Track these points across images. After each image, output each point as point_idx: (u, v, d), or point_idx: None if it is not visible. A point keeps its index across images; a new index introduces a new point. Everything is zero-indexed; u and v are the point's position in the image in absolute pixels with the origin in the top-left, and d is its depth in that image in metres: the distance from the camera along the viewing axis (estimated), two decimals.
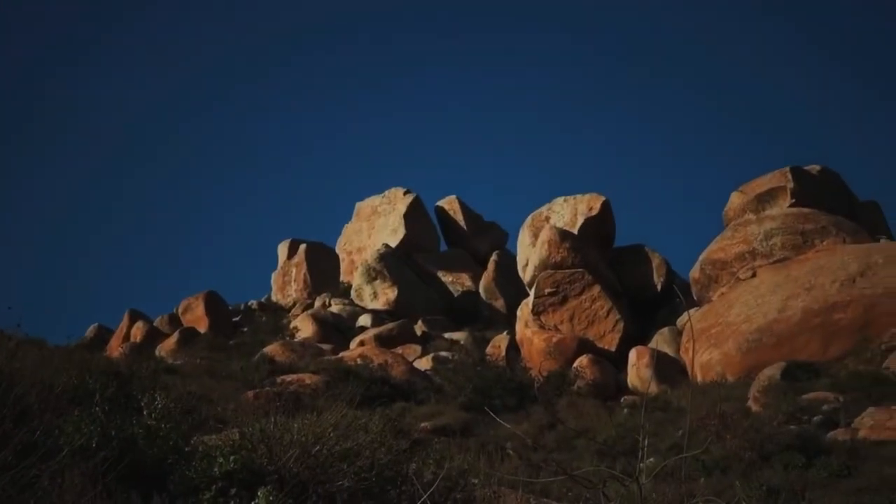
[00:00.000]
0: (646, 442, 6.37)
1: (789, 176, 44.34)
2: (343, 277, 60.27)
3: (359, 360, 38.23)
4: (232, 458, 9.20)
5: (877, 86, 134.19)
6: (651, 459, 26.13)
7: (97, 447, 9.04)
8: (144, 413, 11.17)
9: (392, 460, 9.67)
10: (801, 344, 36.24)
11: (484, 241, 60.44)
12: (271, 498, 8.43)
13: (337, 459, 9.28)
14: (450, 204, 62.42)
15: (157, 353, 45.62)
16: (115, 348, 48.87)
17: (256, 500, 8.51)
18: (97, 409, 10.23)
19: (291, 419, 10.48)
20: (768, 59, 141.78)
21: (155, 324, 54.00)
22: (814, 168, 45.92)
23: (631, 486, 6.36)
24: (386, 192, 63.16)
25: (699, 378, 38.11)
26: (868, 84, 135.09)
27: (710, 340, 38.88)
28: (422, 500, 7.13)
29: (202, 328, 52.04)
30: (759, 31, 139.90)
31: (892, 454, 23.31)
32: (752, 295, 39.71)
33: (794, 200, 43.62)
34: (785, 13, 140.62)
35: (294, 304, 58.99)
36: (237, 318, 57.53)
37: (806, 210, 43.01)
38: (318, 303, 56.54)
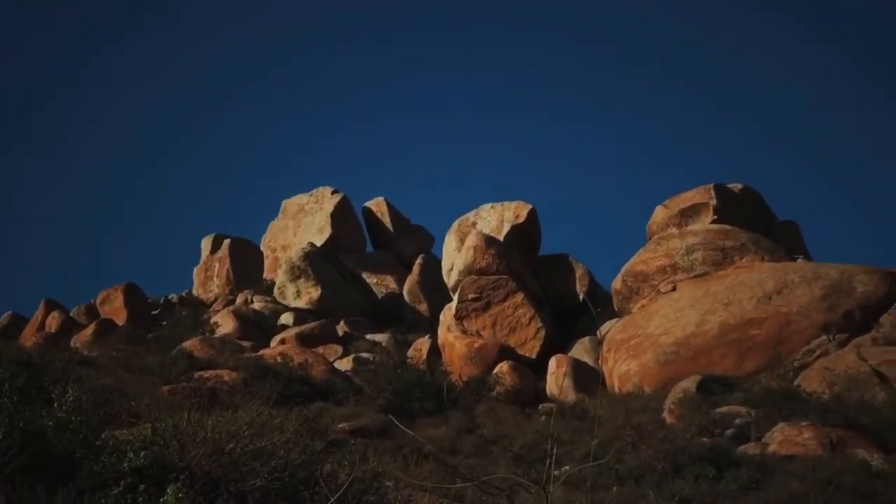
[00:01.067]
0: (554, 450, 6.39)
1: (712, 193, 45.09)
2: (266, 275, 59.77)
3: (279, 359, 37.91)
4: (142, 453, 9.05)
5: (799, 113, 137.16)
6: (566, 467, 26.20)
7: (3, 437, 8.83)
8: (55, 405, 10.93)
9: (306, 461, 9.60)
10: (717, 358, 36.85)
11: (410, 243, 60.42)
12: (181, 495, 8.31)
13: (250, 458, 9.18)
14: (377, 205, 62.30)
15: (72, 344, 44.76)
16: (28, 337, 47.88)
17: (165, 498, 8.38)
18: (5, 399, 9.99)
19: (206, 416, 10.35)
20: (701, 76, 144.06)
21: (71, 314, 53.00)
22: (736, 186, 46.76)
23: (537, 493, 6.40)
24: (314, 191, 62.81)
25: (617, 388, 38.53)
26: (793, 111, 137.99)
27: (630, 351, 39.34)
28: (329, 502, 7.08)
29: (120, 320, 51.19)
30: (690, 51, 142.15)
31: (799, 469, 23.79)
32: (671, 308, 40.29)
33: (716, 217, 44.36)
34: (722, 30, 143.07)
35: (215, 300, 58.36)
36: (157, 312, 56.71)
37: (727, 227, 43.77)
38: (240, 299, 56.00)
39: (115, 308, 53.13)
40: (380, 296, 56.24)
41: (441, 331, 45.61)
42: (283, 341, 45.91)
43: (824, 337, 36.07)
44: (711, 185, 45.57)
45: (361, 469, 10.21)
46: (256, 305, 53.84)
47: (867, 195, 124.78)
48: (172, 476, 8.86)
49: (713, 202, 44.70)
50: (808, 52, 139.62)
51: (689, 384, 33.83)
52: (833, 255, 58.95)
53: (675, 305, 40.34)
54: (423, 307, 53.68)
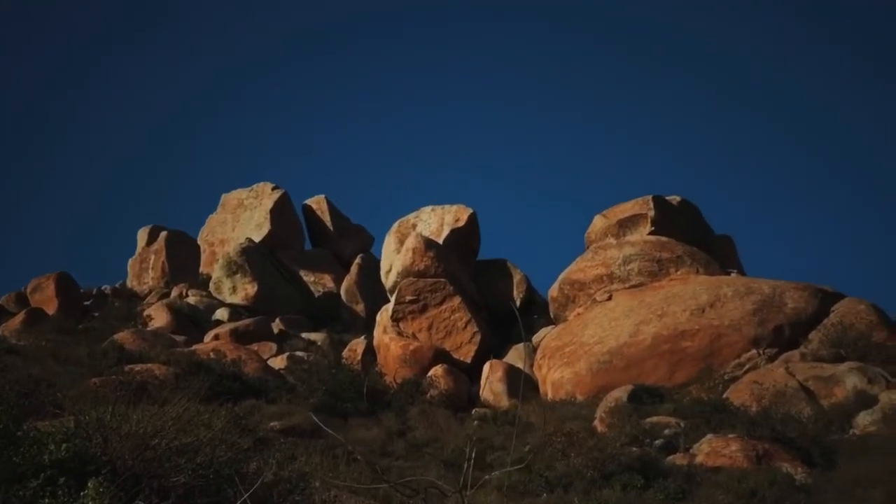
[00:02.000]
0: (473, 454, 6.39)
1: (651, 204, 45.56)
2: (203, 269, 59.16)
3: (212, 354, 37.55)
4: (64, 445, 8.88)
5: (744, 128, 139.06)
6: (496, 473, 26.24)
7: None
8: None
9: (232, 458, 9.50)
10: (649, 368, 37.23)
11: (349, 243, 60.20)
12: (101, 489, 8.16)
13: (175, 454, 9.06)
14: (318, 203, 61.99)
15: (0, 332, 43.93)
16: None
17: (86, 492, 8.23)
18: None
19: (132, 409, 10.19)
20: (646, 89, 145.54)
21: (0, 302, 51.99)
22: (674, 199, 47.28)
23: (455, 497, 6.39)
24: (254, 186, 62.31)
25: (550, 395, 38.76)
26: (730, 126, 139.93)
27: (564, 359, 39.59)
28: (242, 498, 7.01)
29: (51, 310, 50.35)
30: (636, 62, 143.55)
31: (725, 481, 24.07)
32: (606, 317, 40.62)
33: (653, 228, 44.83)
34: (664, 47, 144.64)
35: (150, 293, 57.62)
36: (89, 302, 55.85)
37: (664, 239, 44.25)
38: (174, 292, 55.36)
39: (45, 297, 52.24)
40: (317, 294, 55.96)
41: (377, 332, 45.52)
42: (216, 337, 45.49)
43: (754, 351, 36.61)
44: (650, 197, 46.06)
45: (288, 468, 10.13)
46: (191, 299, 53.27)
47: (801, 213, 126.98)
48: (94, 470, 8.71)
49: (651, 214, 45.17)
50: (755, 69, 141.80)
51: (620, 393, 34.13)
52: (766, 271, 59.86)
53: (611, 315, 40.67)
54: (359, 307, 53.53)
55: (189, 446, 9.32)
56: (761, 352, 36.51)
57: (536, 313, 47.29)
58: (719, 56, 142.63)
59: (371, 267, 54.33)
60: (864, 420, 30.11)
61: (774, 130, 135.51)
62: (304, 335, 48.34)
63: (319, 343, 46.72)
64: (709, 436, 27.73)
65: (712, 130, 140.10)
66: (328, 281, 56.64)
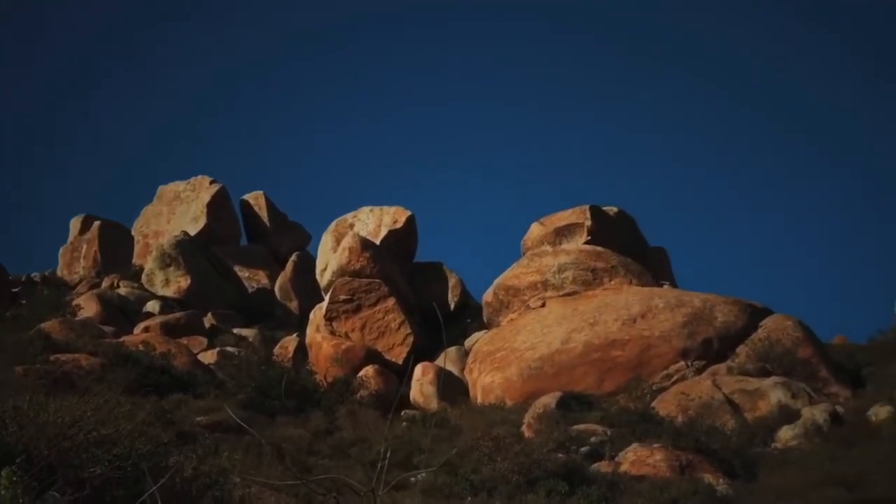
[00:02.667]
0: (388, 454, 6.42)
1: (588, 214, 45.95)
2: (136, 260, 58.37)
3: (141, 347, 37.08)
4: None
5: (676, 141, 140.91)
6: (422, 475, 26.16)
7: None
8: None
9: (151, 451, 9.41)
10: (579, 376, 37.55)
11: (286, 240, 59.79)
12: (15, 479, 8.04)
13: (93, 445, 8.95)
14: (256, 199, 61.48)
15: None
16: None
17: None
18: None
19: (52, 399, 10.05)
20: (588, 96, 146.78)
21: None
22: (611, 209, 47.74)
23: (367, 496, 6.40)
24: (191, 179, 61.63)
25: (480, 399, 38.92)
26: (663, 137, 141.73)
27: (495, 364, 39.78)
28: (150, 490, 6.95)
29: None
30: (579, 68, 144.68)
31: (647, 490, 24.36)
32: (539, 324, 40.88)
33: (589, 238, 45.21)
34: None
35: (80, 282, 56.72)
36: (17, 290, 54.79)
37: (599, 249, 44.66)
38: (105, 283, 54.58)
39: None
40: (251, 290, 55.55)
41: (309, 330, 45.33)
42: (146, 329, 44.93)
43: (682, 362, 37.10)
44: (587, 207, 46.45)
45: (209, 463, 10.06)
46: (122, 291, 52.57)
47: (734, 229, 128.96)
48: (8, 459, 8.58)
49: (588, 223, 45.55)
50: (688, 84, 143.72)
51: (549, 400, 34.38)
52: (698, 284, 60.67)
53: (543, 322, 40.95)
54: (293, 305, 53.23)
55: (108, 438, 9.21)
56: (689, 364, 37.01)
57: (470, 317, 47.46)
58: (657, 59, 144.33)
59: (307, 265, 54.05)
60: (787, 434, 30.69)
61: (717, 147, 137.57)
62: (235, 331, 47.92)
63: (251, 339, 46.35)
64: (634, 445, 28.04)
65: (655, 143, 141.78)
66: (263, 277, 56.25)
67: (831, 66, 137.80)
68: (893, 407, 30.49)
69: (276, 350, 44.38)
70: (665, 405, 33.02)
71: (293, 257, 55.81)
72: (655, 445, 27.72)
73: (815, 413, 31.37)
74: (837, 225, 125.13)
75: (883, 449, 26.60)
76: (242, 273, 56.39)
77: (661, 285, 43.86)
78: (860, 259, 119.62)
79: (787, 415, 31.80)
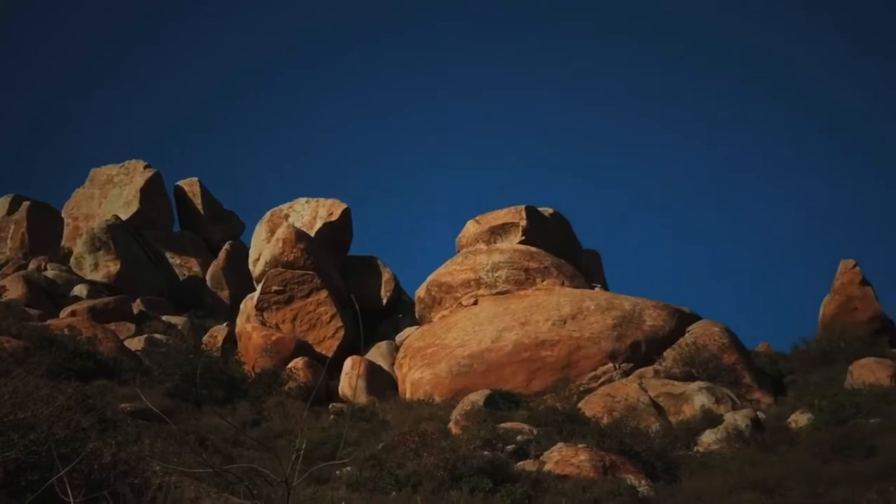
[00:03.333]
0: (303, 445, 6.41)
1: (523, 214, 46.19)
2: (65, 243, 57.39)
3: (66, 331, 36.49)
4: None
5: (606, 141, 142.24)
6: (348, 468, 26.16)
7: None
8: None
9: (69, 437, 9.26)
10: (508, 374, 37.76)
11: (219, 228, 59.23)
12: None
13: (9, 429, 8.78)
14: (190, 186, 60.78)
15: None
16: None
17: None
18: None
19: None
20: (524, 99, 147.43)
21: None
22: (547, 210, 48.05)
23: (279, 486, 6.38)
24: (126, 163, 60.73)
25: (409, 394, 38.96)
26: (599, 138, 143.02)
27: (425, 360, 39.84)
28: (58, 475, 6.86)
29: None
30: (522, 64, 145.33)
31: (570, 489, 24.57)
32: (470, 322, 41.02)
33: (524, 238, 45.47)
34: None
35: (6, 263, 55.60)
36: None
37: (533, 249, 44.94)
38: (32, 265, 53.56)
39: None
40: (182, 278, 54.96)
41: (240, 320, 44.99)
42: (73, 313, 44.22)
43: (610, 364, 37.49)
44: (523, 207, 46.69)
45: (128, 450, 9.93)
46: (50, 273, 51.64)
47: (666, 235, 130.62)
48: None
49: (523, 223, 45.80)
50: (620, 90, 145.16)
51: (477, 397, 34.54)
52: (628, 288, 61.26)
53: (475, 319, 41.10)
54: (224, 294, 52.77)
55: (24, 422, 9.05)
56: (617, 366, 37.42)
57: (402, 313, 47.48)
58: (596, 62, 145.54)
59: (239, 254, 53.60)
60: (709, 438, 31.16)
61: (651, 153, 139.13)
62: (164, 318, 47.36)
63: (180, 327, 45.86)
64: (559, 444, 28.26)
65: (592, 146, 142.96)
66: (194, 265, 55.67)
67: (777, 68, 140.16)
68: (813, 414, 31.12)
69: (205, 339, 43.96)
70: (591, 406, 33.34)
71: (226, 246, 55.33)
72: (580, 445, 27.96)
73: (738, 418, 31.89)
74: (767, 234, 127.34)
75: (801, 455, 27.15)
76: (174, 260, 55.77)
77: (592, 287, 44.26)
78: (787, 268, 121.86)
79: (710, 419, 32.30)
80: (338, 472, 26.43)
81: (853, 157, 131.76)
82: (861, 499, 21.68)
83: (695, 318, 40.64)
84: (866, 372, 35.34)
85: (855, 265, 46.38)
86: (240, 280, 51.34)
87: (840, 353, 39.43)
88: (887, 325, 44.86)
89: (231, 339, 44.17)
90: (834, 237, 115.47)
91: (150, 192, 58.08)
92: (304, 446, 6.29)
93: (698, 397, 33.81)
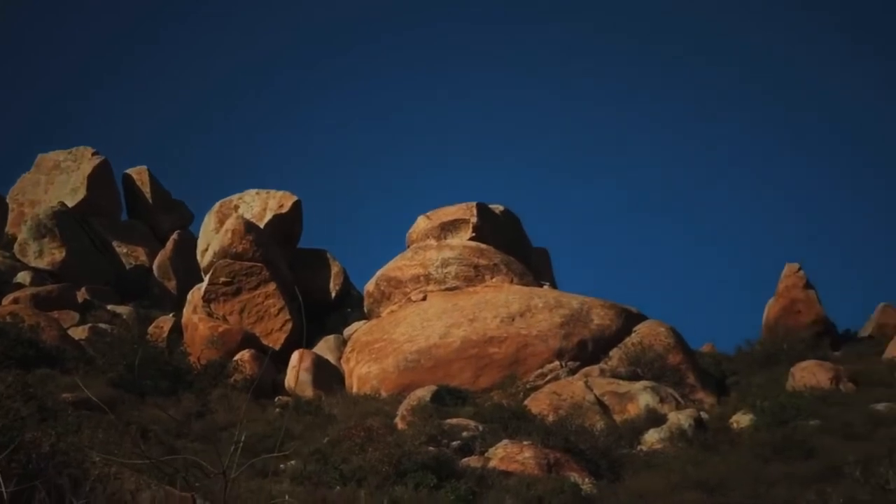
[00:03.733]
0: (243, 437, 6.36)
1: (474, 211, 46.21)
2: (9, 229, 56.42)
3: (8, 318, 35.95)
4: None
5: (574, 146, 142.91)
6: (293, 462, 26.05)
7: None
8: None
9: (7, 426, 9.10)
10: (455, 370, 37.80)
11: (168, 218, 58.58)
12: None
13: None
14: (139, 174, 60.03)
15: None
16: None
17: None
18: None
19: None
20: (483, 94, 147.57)
21: None
22: (497, 207, 48.14)
23: (217, 478, 6.33)
24: (73, 150, 59.83)
25: (356, 389, 38.86)
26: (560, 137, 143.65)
27: (372, 354, 39.76)
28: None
29: None
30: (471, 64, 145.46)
31: (514, 486, 24.65)
32: (419, 317, 41.00)
33: (474, 234, 45.50)
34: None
35: None
36: None
37: (483, 246, 45.00)
38: None
39: None
40: (128, 267, 54.30)
41: (186, 311, 44.58)
42: (15, 300, 43.54)
43: (557, 362, 37.68)
44: (474, 204, 46.72)
45: (68, 441, 9.79)
46: None
47: (614, 235, 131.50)
48: None
49: (473, 220, 45.83)
50: (567, 87, 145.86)
51: (424, 393, 34.54)
52: (577, 287, 61.55)
53: (423, 315, 41.09)
54: (171, 284, 52.22)
55: None
56: (564, 364, 37.61)
57: (351, 307, 47.34)
58: (550, 60, 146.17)
59: (188, 244, 53.07)
60: (653, 437, 31.43)
61: (601, 154, 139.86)
62: (109, 307, 46.78)
63: (125, 316, 45.33)
64: (504, 441, 28.34)
65: (542, 145, 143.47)
66: (141, 254, 55.02)
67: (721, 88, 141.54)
68: (755, 415, 31.51)
69: (151, 329, 43.47)
70: (537, 403, 33.48)
71: (174, 236, 54.75)
72: (525, 443, 28.07)
73: (681, 418, 32.20)
74: (713, 235, 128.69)
75: (742, 456, 27.47)
76: (121, 249, 55.08)
77: (541, 285, 44.43)
78: (734, 270, 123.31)
79: (654, 418, 32.58)
80: (282, 465, 26.30)
81: (799, 160, 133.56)
82: (800, 499, 21.99)
83: (641, 317, 40.96)
84: (808, 374, 35.86)
85: (799, 268, 47.06)
86: (187, 270, 50.84)
87: (783, 355, 39.98)
88: (829, 329, 45.61)
89: (177, 330, 43.74)
90: (780, 240, 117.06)
91: (98, 179, 57.30)
92: (243, 438, 6.23)
93: (643, 396, 34.10)
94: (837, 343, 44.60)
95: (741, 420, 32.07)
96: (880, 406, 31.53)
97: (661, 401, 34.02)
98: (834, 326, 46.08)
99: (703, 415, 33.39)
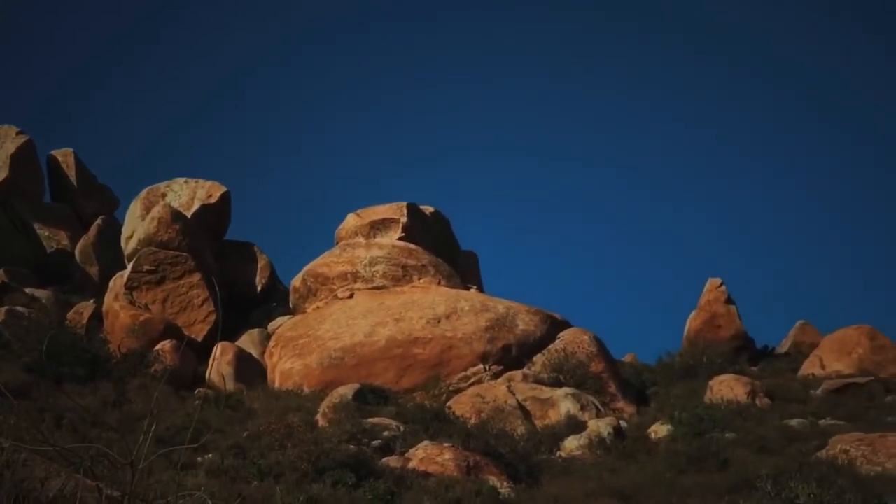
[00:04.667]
0: (153, 427, 6.23)
1: (405, 211, 46.19)
2: None
3: None
4: None
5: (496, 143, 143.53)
6: (210, 455, 25.64)
7: None
8: None
9: None
10: (379, 370, 37.71)
11: (92, 202, 57.48)
12: None
13: None
14: (64, 156, 58.84)
15: None
16: None
17: None
18: None
19: None
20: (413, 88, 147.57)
21: None
22: (428, 209, 48.17)
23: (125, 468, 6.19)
24: None
25: (278, 384, 38.57)
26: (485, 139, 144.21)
27: (296, 350, 39.50)
28: None
29: None
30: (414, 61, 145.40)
31: (433, 487, 24.63)
32: (345, 315, 40.83)
33: (403, 234, 45.47)
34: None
35: None
36: None
37: (412, 246, 44.97)
38: None
39: None
40: (49, 250, 53.18)
41: (108, 298, 43.79)
42: None
43: (481, 366, 37.80)
44: (405, 203, 46.70)
45: None
46: None
47: (541, 242, 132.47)
48: None
49: (403, 220, 45.79)
50: (504, 93, 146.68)
51: (346, 391, 34.40)
52: (504, 292, 61.85)
53: (350, 313, 40.93)
54: (93, 270, 51.25)
55: None
56: (487, 367, 37.75)
57: (276, 301, 46.97)
58: (471, 61, 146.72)
59: (112, 230, 52.10)
60: (572, 444, 31.69)
61: (535, 158, 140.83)
62: (28, 290, 45.71)
63: (44, 301, 44.36)
64: (425, 442, 28.34)
65: (476, 148, 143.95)
66: (63, 238, 53.93)
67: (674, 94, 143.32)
68: (672, 426, 31.93)
69: (70, 315, 42.60)
70: (460, 406, 33.54)
71: (98, 221, 53.72)
72: (446, 444, 28.10)
73: (601, 426, 32.52)
74: (639, 247, 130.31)
75: (658, 465, 27.80)
76: (42, 231, 53.94)
77: (468, 288, 44.54)
78: (659, 282, 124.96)
79: (575, 425, 32.86)
80: (200, 458, 25.98)
81: (723, 177, 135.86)
82: None
83: (566, 325, 41.28)
84: (725, 388, 36.43)
85: (721, 284, 47.82)
86: (110, 257, 49.92)
87: (702, 367, 40.57)
88: (748, 344, 46.42)
89: (97, 317, 42.95)
90: (704, 255, 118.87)
91: (21, 159, 56.04)
92: (153, 429, 6.10)
93: (564, 403, 34.36)
94: (755, 358, 45.40)
95: (659, 430, 32.46)
96: (793, 422, 32.17)
97: (582, 408, 34.31)
98: (753, 342, 46.91)
99: (623, 423, 33.75)
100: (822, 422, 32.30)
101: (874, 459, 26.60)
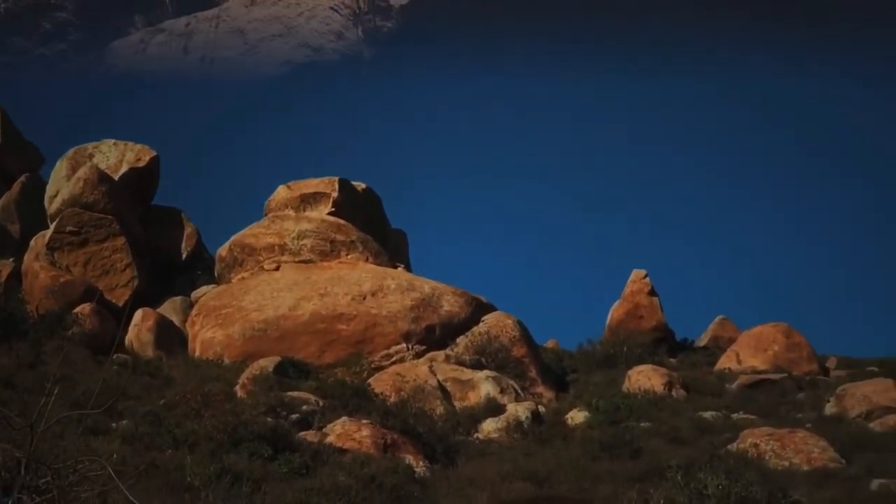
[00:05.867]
0: (55, 391, 6.16)
1: (336, 186, 45.95)
2: None
3: None
4: None
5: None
6: (125, 422, 25.36)
7: None
8: None
9: None
10: (301, 344, 37.60)
11: (17, 159, 56.06)
12: None
13: None
14: None
15: None
16: None
17: None
18: None
19: None
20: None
21: None
22: (360, 185, 48.01)
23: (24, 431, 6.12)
24: None
25: (198, 353, 38.27)
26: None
27: (218, 320, 39.20)
28: None
29: None
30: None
31: (349, 463, 24.64)
32: (270, 287, 40.60)
33: (333, 209, 45.25)
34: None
35: None
36: None
37: (341, 222, 44.79)
38: None
39: None
40: None
41: (28, 257, 42.98)
42: None
43: (403, 345, 37.90)
44: (337, 178, 46.48)
45: None
46: None
47: (470, 225, 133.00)
48: None
49: (335, 195, 45.57)
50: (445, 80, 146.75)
51: (267, 363, 34.24)
52: (431, 272, 61.95)
53: (275, 285, 40.71)
54: (14, 228, 50.10)
55: None
56: (410, 347, 37.86)
57: (201, 269, 46.48)
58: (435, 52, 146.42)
59: (36, 189, 50.98)
60: (490, 426, 31.96)
61: (468, 145, 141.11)
62: None
63: None
64: (343, 418, 28.34)
65: (410, 132, 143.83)
66: None
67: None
68: (589, 413, 32.37)
69: None
70: (381, 383, 33.59)
71: (22, 178, 52.49)
72: (364, 421, 28.12)
73: (519, 410, 32.83)
74: (567, 237, 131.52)
75: (573, 451, 28.18)
76: None
77: (395, 267, 44.54)
78: (583, 271, 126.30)
79: (493, 408, 33.12)
80: (114, 424, 25.69)
81: (655, 167, 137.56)
82: (623, 497, 22.67)
83: (491, 308, 41.52)
84: (643, 378, 37.00)
85: (645, 275, 48.46)
86: (33, 216, 48.88)
87: (622, 357, 41.15)
88: (668, 336, 47.16)
89: (16, 276, 42.22)
90: (632, 248, 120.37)
91: None
92: (55, 392, 6.03)
93: (484, 385, 34.61)
94: (675, 350, 46.15)
95: (576, 416, 32.89)
96: (707, 414, 32.80)
97: (502, 391, 34.59)
98: (673, 334, 47.65)
99: (541, 408, 34.12)
100: (734, 415, 32.99)
101: (782, 454, 27.29)
